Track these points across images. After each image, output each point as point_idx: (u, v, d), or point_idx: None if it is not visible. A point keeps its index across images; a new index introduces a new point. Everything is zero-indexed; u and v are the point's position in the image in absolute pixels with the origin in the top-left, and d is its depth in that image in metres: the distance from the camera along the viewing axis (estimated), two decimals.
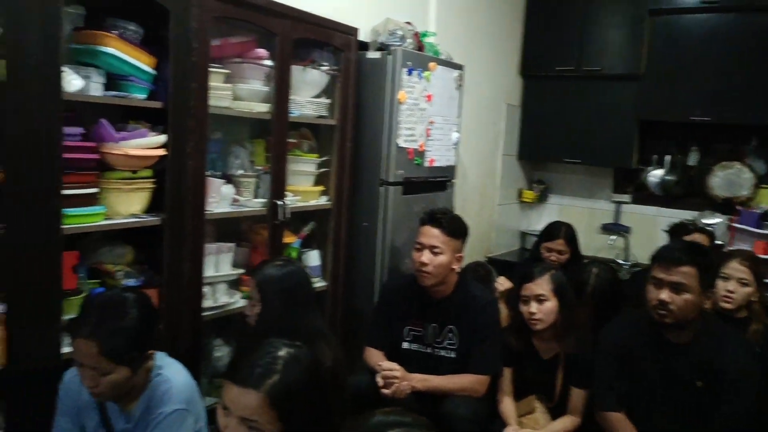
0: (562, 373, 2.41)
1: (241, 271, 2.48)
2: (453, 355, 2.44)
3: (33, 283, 1.73)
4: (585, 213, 4.65)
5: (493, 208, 4.51)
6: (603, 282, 2.69)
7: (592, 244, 4.41)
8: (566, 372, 2.41)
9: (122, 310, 1.62)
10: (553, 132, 4.47)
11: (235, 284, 2.49)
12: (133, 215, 2.05)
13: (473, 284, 2.60)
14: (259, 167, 2.54)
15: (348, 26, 2.77)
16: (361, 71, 2.86)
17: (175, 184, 2.09)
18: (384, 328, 2.53)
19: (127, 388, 1.65)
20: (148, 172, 2.07)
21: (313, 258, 2.80)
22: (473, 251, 4.00)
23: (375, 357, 2.44)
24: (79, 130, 1.87)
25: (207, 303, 2.31)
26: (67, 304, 1.86)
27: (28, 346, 1.73)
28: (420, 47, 3.11)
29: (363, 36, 2.93)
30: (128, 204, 2.04)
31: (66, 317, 1.83)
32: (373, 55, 2.89)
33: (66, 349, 1.82)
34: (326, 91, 2.77)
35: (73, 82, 1.80)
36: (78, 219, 1.85)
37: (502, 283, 3.05)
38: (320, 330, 1.99)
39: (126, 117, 2.08)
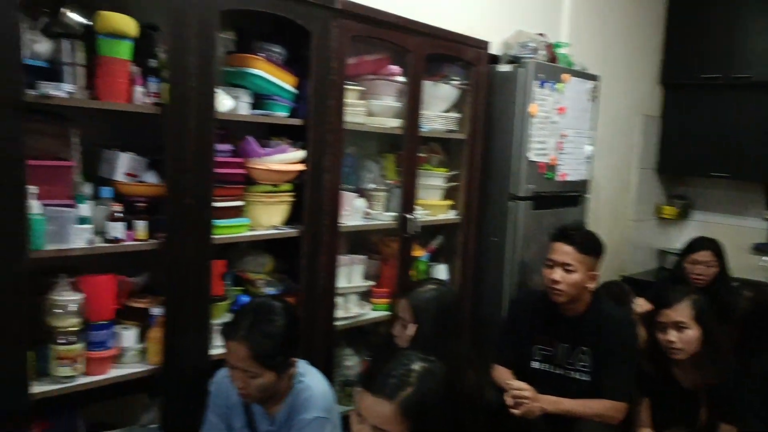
0: (707, 406, 2.23)
1: (372, 282, 2.54)
2: (586, 378, 2.33)
3: (187, 289, 1.87)
4: (733, 231, 4.28)
5: (627, 224, 4.29)
6: (758, 306, 2.46)
7: (741, 265, 4.04)
8: (711, 405, 2.22)
9: (272, 317, 1.71)
10: (698, 144, 4.17)
11: (365, 296, 2.55)
12: (274, 227, 2.17)
13: (608, 303, 2.47)
14: (390, 181, 2.59)
15: (479, 40, 2.76)
16: (491, 85, 2.84)
17: (313, 197, 2.18)
18: (512, 345, 2.47)
19: (273, 392, 1.73)
20: (288, 186, 2.17)
21: (440, 272, 2.80)
22: (605, 269, 3.81)
23: (503, 375, 2.38)
24: (228, 146, 2.01)
25: (339, 313, 2.38)
26: (215, 309, 1.99)
27: (181, 347, 1.88)
28: (553, 59, 3.04)
29: (494, 49, 2.91)
30: (270, 216, 2.15)
31: (214, 321, 1.97)
32: (504, 68, 2.86)
33: (214, 351, 1.95)
34: (456, 106, 2.77)
35: (224, 102, 1.94)
36: (226, 230, 1.99)
37: (641, 305, 2.88)
38: (468, 355, 1.98)
39: (269, 133, 2.20)
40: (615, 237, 4.11)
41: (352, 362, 2.55)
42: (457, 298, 2.15)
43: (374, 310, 2.54)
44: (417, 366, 1.40)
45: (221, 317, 2.01)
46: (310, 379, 1.83)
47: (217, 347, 1.96)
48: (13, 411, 1.58)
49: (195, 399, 1.89)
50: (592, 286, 2.37)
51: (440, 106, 2.69)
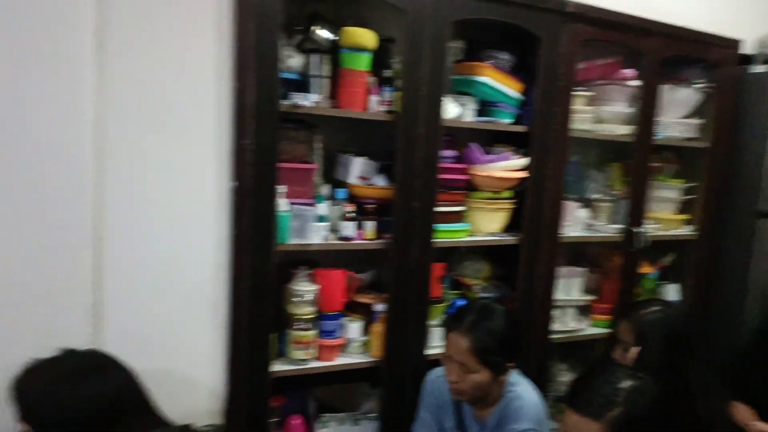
0: None
1: (592, 297, 2.42)
2: None
3: (409, 289, 1.95)
4: None
5: None
6: None
7: None
8: None
9: (495, 317, 1.72)
10: None
11: (584, 310, 2.44)
12: (493, 233, 2.17)
13: None
14: (617, 192, 2.44)
15: (727, 39, 2.48)
16: (741, 87, 2.54)
17: (533, 205, 2.14)
18: (756, 381, 2.18)
19: (484, 393, 1.73)
20: (508, 193, 2.16)
21: (670, 292, 2.58)
22: None
23: (744, 414, 2.11)
24: (452, 153, 2.06)
25: (555, 326, 2.30)
26: (433, 311, 2.04)
27: (400, 343, 1.97)
28: None
29: (746, 48, 2.59)
30: (489, 223, 2.16)
31: (431, 322, 2.02)
32: (759, 68, 2.54)
33: (430, 351, 2.01)
34: (697, 111, 2.52)
35: (451, 109, 1.99)
36: (446, 234, 2.03)
37: None
38: (703, 382, 1.80)
39: (492, 140, 2.21)
40: None
41: (566, 378, 2.46)
42: (686, 321, 1.95)
43: (593, 326, 2.42)
44: (625, 384, 1.33)
45: (438, 319, 2.06)
46: (522, 388, 1.80)
47: (434, 347, 2.01)
48: (257, 385, 1.78)
49: (411, 394, 1.96)
50: None
51: (678, 112, 2.47)
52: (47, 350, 1.29)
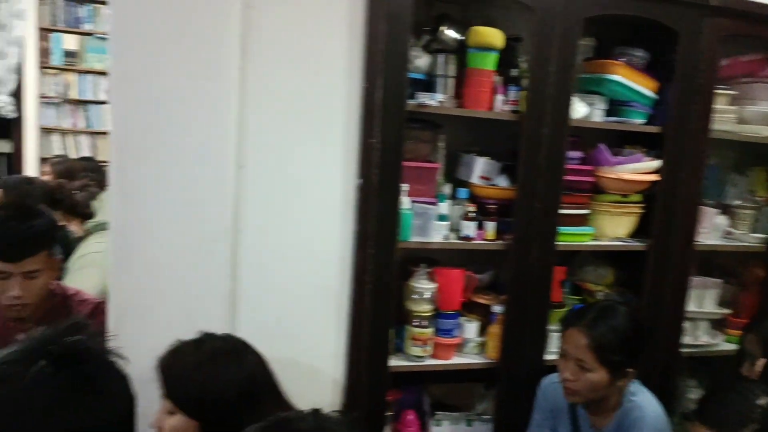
0: None
1: (728, 311, 2.26)
2: None
3: (528, 291, 1.92)
4: None
5: None
6: None
7: None
8: None
9: (618, 316, 1.68)
10: None
11: (719, 324, 2.28)
12: (618, 238, 2.08)
13: None
14: (761, 198, 2.27)
15: None
16: None
17: (665, 210, 2.03)
18: None
19: (599, 396, 1.67)
20: (637, 197, 2.07)
21: None
22: None
23: None
24: (579, 154, 2.00)
25: (685, 339, 2.18)
26: (552, 315, 2.00)
27: (518, 346, 1.94)
28: None
29: None
30: (615, 227, 2.08)
31: (550, 327, 1.98)
32: None
33: (548, 357, 1.97)
34: None
35: (579, 109, 1.93)
36: (569, 237, 1.98)
37: None
38: None
39: (622, 141, 2.12)
40: None
41: (694, 395, 2.31)
42: None
43: (728, 341, 2.26)
44: (763, 401, 1.29)
45: (557, 324, 2.01)
46: (643, 398, 1.73)
47: (552, 352, 1.97)
48: (376, 379, 1.83)
49: (527, 398, 1.93)
50: None
51: None
52: (189, 333, 1.40)
